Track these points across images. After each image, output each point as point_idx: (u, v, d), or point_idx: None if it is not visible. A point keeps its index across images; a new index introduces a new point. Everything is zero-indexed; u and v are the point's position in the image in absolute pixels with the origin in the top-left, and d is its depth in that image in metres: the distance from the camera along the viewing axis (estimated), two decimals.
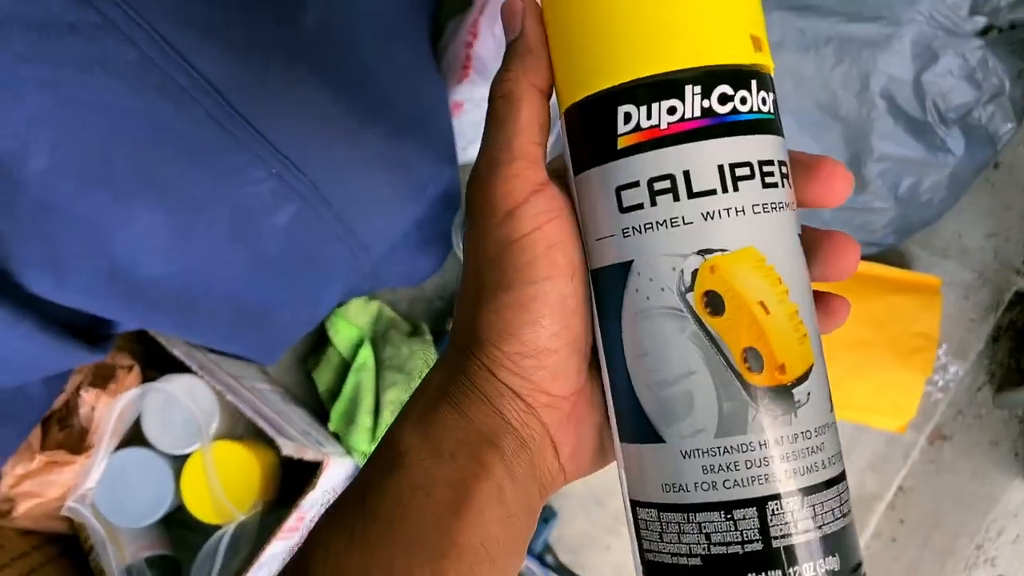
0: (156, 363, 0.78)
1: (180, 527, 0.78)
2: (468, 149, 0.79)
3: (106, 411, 0.67)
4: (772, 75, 0.27)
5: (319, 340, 0.87)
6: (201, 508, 0.69)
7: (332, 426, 0.82)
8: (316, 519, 0.27)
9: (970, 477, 0.83)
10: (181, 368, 0.72)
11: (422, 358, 0.83)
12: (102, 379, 0.70)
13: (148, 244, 0.50)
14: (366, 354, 0.83)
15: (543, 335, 0.26)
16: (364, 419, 0.81)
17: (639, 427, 0.27)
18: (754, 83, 0.26)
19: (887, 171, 0.74)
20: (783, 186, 0.26)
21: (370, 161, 0.57)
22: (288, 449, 0.66)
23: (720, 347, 0.25)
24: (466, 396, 0.27)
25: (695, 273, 0.25)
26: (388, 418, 0.81)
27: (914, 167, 0.74)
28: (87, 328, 0.62)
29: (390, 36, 0.64)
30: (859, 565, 0.26)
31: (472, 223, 0.27)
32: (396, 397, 0.82)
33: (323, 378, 0.85)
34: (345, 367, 0.85)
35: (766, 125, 0.26)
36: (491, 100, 0.28)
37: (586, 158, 0.27)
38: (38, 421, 0.66)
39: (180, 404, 0.69)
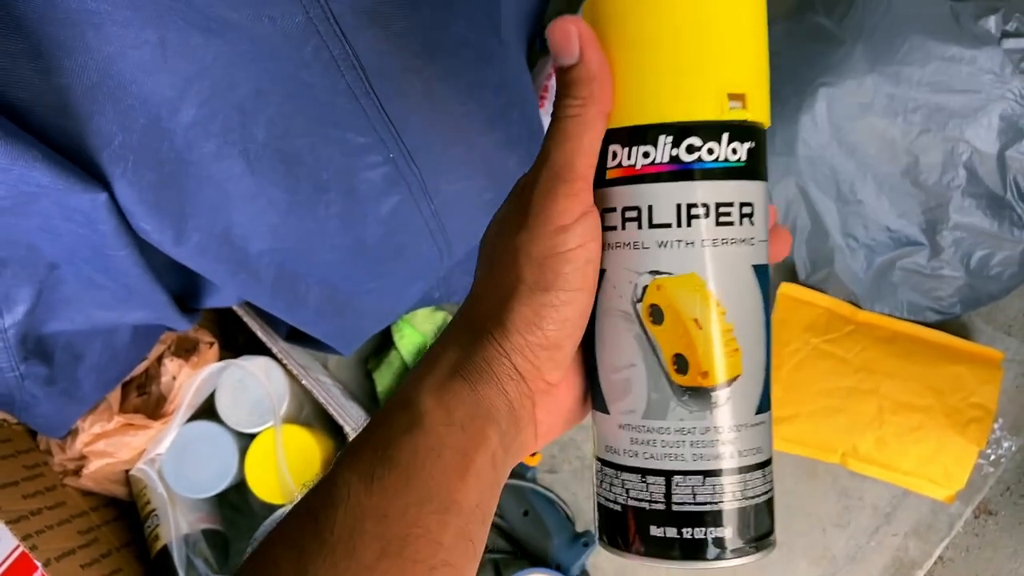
0: (232, 346, 0.81)
1: (228, 507, 0.80)
2: None
3: (187, 382, 0.70)
4: (756, 124, 0.31)
5: (382, 343, 0.90)
6: (262, 486, 0.71)
7: None
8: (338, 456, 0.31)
9: (1011, 555, 0.83)
10: (256, 352, 0.74)
11: None
12: (185, 351, 0.73)
13: (265, 218, 0.53)
14: None
15: (563, 333, 0.31)
16: None
17: (598, 399, 0.34)
18: (725, 136, 0.30)
19: (961, 241, 0.76)
20: (741, 224, 0.31)
21: (478, 165, 0.60)
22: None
23: (656, 349, 0.31)
24: (480, 375, 0.31)
25: (645, 288, 0.31)
26: None
27: (988, 240, 0.75)
28: (179, 298, 0.65)
29: (513, 51, 0.67)
30: (761, 537, 0.32)
31: (521, 224, 0.31)
32: None
33: (383, 380, 0.87)
34: (406, 371, 0.87)
35: (735, 172, 0.31)
36: (558, 118, 0.31)
37: (596, 179, 0.32)
38: (120, 380, 0.68)
39: (255, 383, 0.71)
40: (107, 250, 0.49)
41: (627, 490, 0.32)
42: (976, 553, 0.83)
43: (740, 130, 0.31)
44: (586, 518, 0.85)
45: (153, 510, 0.74)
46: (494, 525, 0.84)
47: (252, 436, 0.73)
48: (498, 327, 0.31)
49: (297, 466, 0.71)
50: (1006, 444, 0.82)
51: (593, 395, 0.34)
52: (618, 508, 0.33)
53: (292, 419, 0.75)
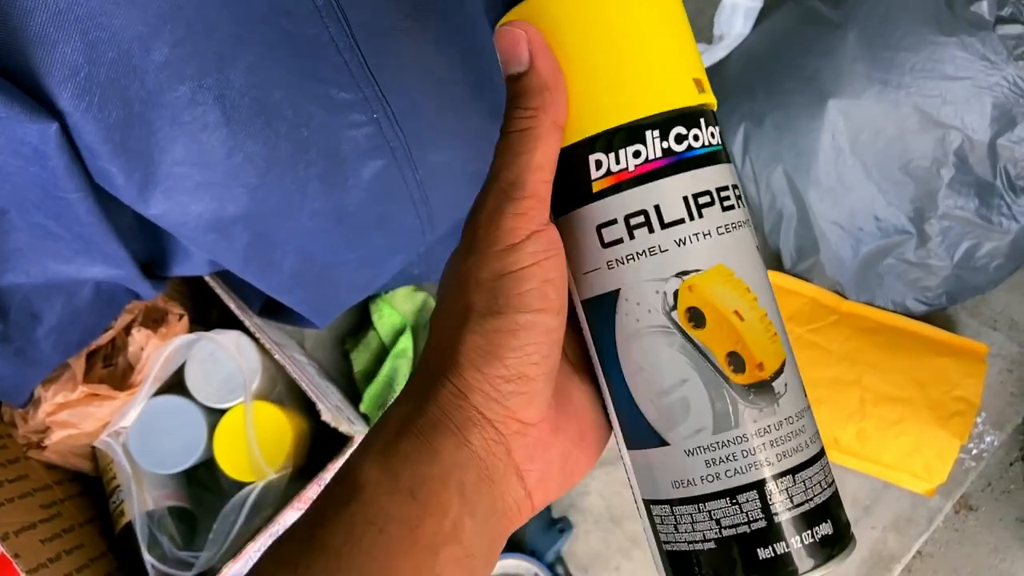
0: (205, 320, 0.79)
1: (196, 484, 0.78)
2: None
3: (155, 353, 0.68)
4: (715, 110, 0.31)
5: (360, 322, 0.88)
6: (231, 463, 0.69)
7: (363, 407, 0.82)
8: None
9: (991, 551, 0.82)
10: (229, 327, 0.72)
11: None
12: (153, 322, 0.71)
13: (242, 178, 0.51)
14: (406, 342, 0.84)
15: (526, 362, 0.27)
16: None
17: (644, 434, 0.30)
18: (703, 121, 0.30)
19: (948, 229, 0.75)
20: (739, 207, 0.30)
21: (467, 135, 0.58)
22: (327, 416, 0.66)
23: (707, 355, 0.29)
24: (434, 427, 0.27)
25: (676, 293, 0.29)
26: None
27: (976, 229, 0.74)
28: (146, 264, 0.63)
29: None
30: (847, 526, 0.30)
31: (469, 248, 0.28)
32: None
33: (360, 360, 0.85)
34: (383, 352, 0.85)
35: (717, 156, 0.30)
36: (507, 132, 0.28)
37: (566, 202, 0.30)
38: (83, 345, 0.66)
39: (226, 357, 0.69)
40: (58, 192, 0.47)
41: (717, 521, 0.28)
42: (956, 548, 0.82)
43: (711, 114, 0.30)
44: (562, 504, 0.84)
45: (118, 485, 0.72)
46: None
47: (222, 412, 0.71)
48: (450, 365, 0.27)
49: (267, 444, 0.69)
50: (988, 439, 0.81)
51: (626, 434, 0.31)
52: (712, 545, 0.29)
53: (264, 396, 0.73)
